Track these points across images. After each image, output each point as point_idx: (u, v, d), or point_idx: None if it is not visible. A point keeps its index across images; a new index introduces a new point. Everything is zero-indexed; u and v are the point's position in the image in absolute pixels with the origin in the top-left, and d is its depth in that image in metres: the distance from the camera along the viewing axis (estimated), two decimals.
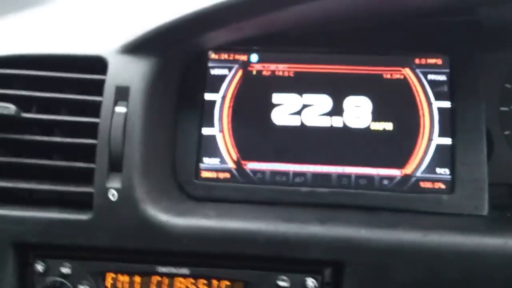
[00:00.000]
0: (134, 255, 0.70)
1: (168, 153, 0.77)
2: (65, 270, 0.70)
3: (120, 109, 0.70)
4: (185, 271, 0.70)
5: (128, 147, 0.69)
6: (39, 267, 0.71)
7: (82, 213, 0.69)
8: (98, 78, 0.72)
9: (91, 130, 0.70)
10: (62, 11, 0.85)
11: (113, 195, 0.68)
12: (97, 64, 0.73)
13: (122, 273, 0.71)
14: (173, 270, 0.70)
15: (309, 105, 0.79)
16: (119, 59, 0.72)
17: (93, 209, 0.68)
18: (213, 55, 0.81)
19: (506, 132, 0.87)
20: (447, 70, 0.77)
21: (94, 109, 0.71)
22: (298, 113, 0.78)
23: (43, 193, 0.72)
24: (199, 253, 0.69)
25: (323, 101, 0.78)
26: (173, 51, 0.75)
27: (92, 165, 0.69)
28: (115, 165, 0.69)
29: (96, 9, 0.84)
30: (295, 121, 0.78)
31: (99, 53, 0.73)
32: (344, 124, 0.78)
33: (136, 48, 0.73)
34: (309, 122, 0.78)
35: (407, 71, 0.78)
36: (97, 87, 0.72)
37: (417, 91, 0.77)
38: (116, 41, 0.73)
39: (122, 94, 0.71)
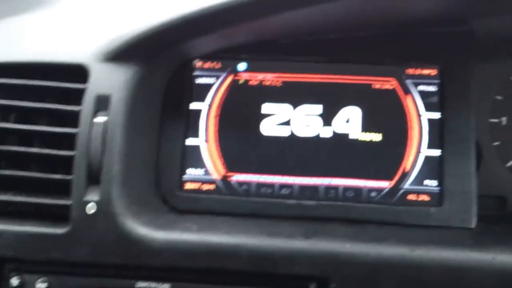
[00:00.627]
0: (113, 270, 0.68)
1: (150, 164, 0.75)
2: (42, 285, 0.68)
3: (100, 119, 0.68)
4: (166, 286, 0.68)
5: (107, 159, 0.67)
6: (14, 282, 0.68)
7: (59, 226, 0.67)
8: (79, 87, 0.70)
9: (70, 141, 0.68)
10: (43, 18, 0.83)
11: (90, 208, 0.66)
12: (79, 72, 0.71)
13: None
14: (153, 285, 0.68)
15: (297, 116, 0.77)
16: (101, 67, 0.71)
17: (70, 222, 0.66)
18: (199, 64, 0.79)
19: (495, 143, 0.86)
20: (438, 81, 0.76)
21: (74, 118, 0.69)
22: (286, 123, 0.77)
23: (19, 205, 0.70)
24: (180, 268, 0.67)
25: (312, 111, 0.77)
26: (158, 59, 0.74)
27: (69, 177, 0.67)
28: (94, 177, 0.67)
29: (78, 15, 0.83)
30: (282, 132, 0.77)
31: (80, 61, 0.72)
32: (333, 135, 0.76)
33: (118, 55, 0.71)
34: (296, 133, 0.77)
35: (397, 81, 0.76)
36: (78, 96, 0.70)
37: (407, 102, 0.76)
38: (98, 48, 0.72)
39: (102, 103, 0.69)
